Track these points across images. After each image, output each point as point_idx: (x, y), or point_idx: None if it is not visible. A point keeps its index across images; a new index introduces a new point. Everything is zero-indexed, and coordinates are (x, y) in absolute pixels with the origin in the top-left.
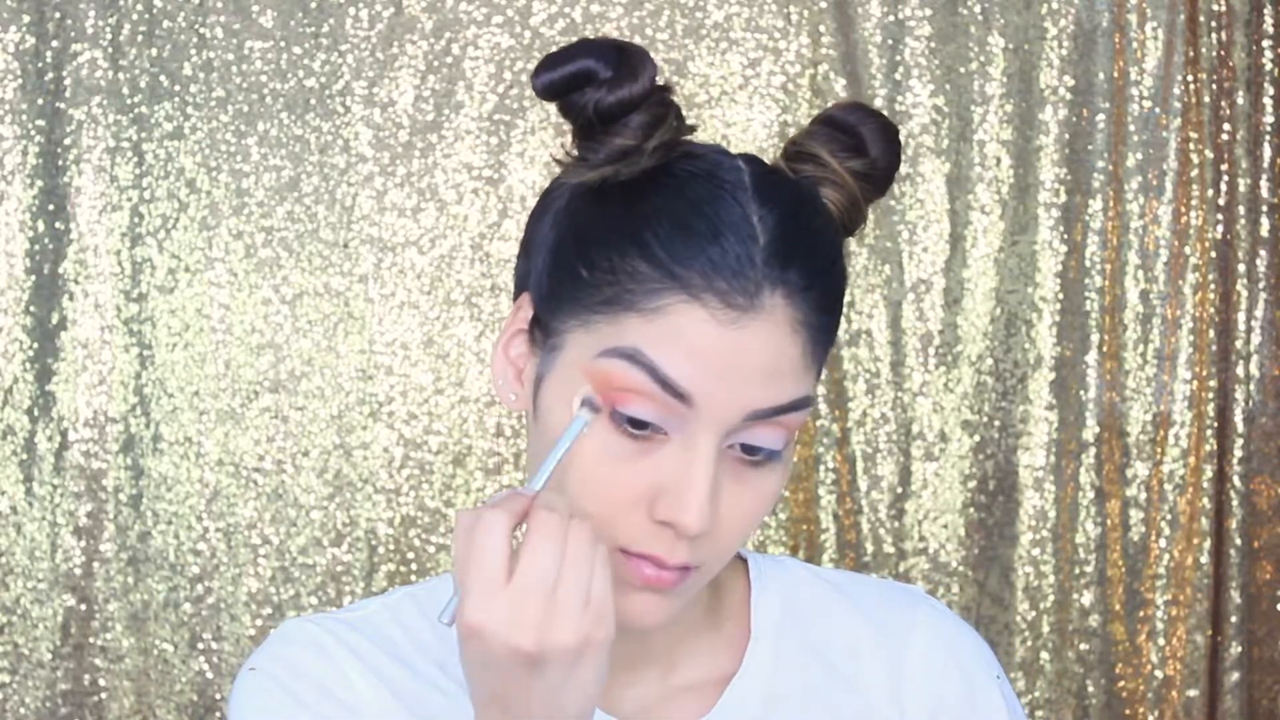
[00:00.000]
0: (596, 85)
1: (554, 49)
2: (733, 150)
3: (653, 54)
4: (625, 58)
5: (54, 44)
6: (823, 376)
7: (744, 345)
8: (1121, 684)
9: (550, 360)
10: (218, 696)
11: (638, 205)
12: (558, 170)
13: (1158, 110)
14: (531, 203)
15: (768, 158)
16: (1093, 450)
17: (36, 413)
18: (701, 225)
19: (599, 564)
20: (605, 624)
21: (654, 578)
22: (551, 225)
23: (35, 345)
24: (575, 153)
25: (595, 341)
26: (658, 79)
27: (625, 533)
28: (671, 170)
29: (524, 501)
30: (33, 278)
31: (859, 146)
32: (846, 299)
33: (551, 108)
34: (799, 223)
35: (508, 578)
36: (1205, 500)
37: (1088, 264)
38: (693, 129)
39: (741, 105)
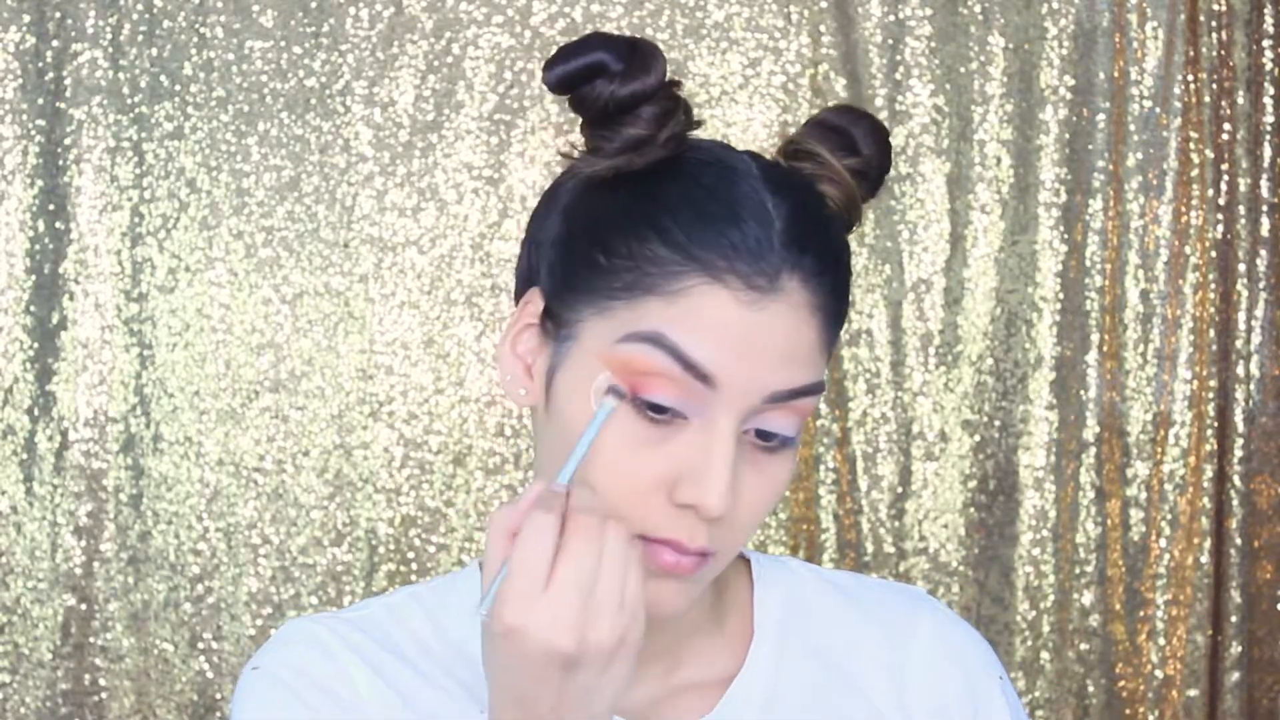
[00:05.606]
0: (609, 78)
1: (554, 48)
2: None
3: None
4: (636, 51)
5: (54, 44)
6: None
7: (764, 326)
8: (1121, 684)
9: (564, 351)
10: (218, 696)
11: (654, 191)
12: (559, 170)
13: (1158, 110)
14: (532, 202)
15: (767, 157)
16: (1093, 450)
17: (36, 412)
18: (720, 209)
19: (633, 565)
20: (638, 624)
21: (673, 564)
22: (561, 219)
23: (35, 345)
24: (584, 146)
25: (614, 327)
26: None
27: (646, 518)
28: (683, 160)
29: (563, 501)
30: (33, 277)
31: (852, 146)
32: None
33: (552, 108)
34: (810, 211)
35: (548, 580)
36: (1205, 500)
37: (1088, 264)
38: (699, 124)
39: (741, 105)
